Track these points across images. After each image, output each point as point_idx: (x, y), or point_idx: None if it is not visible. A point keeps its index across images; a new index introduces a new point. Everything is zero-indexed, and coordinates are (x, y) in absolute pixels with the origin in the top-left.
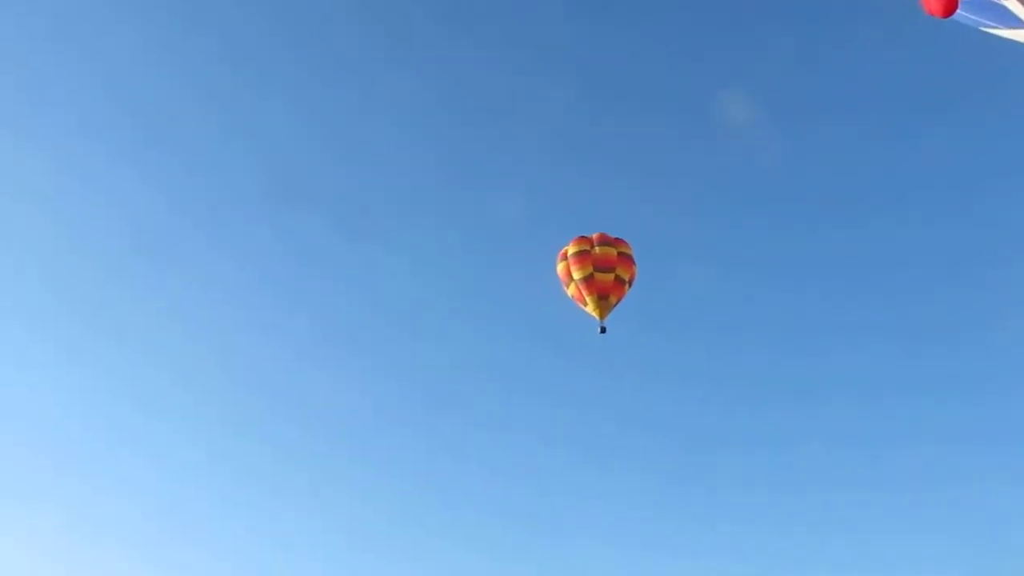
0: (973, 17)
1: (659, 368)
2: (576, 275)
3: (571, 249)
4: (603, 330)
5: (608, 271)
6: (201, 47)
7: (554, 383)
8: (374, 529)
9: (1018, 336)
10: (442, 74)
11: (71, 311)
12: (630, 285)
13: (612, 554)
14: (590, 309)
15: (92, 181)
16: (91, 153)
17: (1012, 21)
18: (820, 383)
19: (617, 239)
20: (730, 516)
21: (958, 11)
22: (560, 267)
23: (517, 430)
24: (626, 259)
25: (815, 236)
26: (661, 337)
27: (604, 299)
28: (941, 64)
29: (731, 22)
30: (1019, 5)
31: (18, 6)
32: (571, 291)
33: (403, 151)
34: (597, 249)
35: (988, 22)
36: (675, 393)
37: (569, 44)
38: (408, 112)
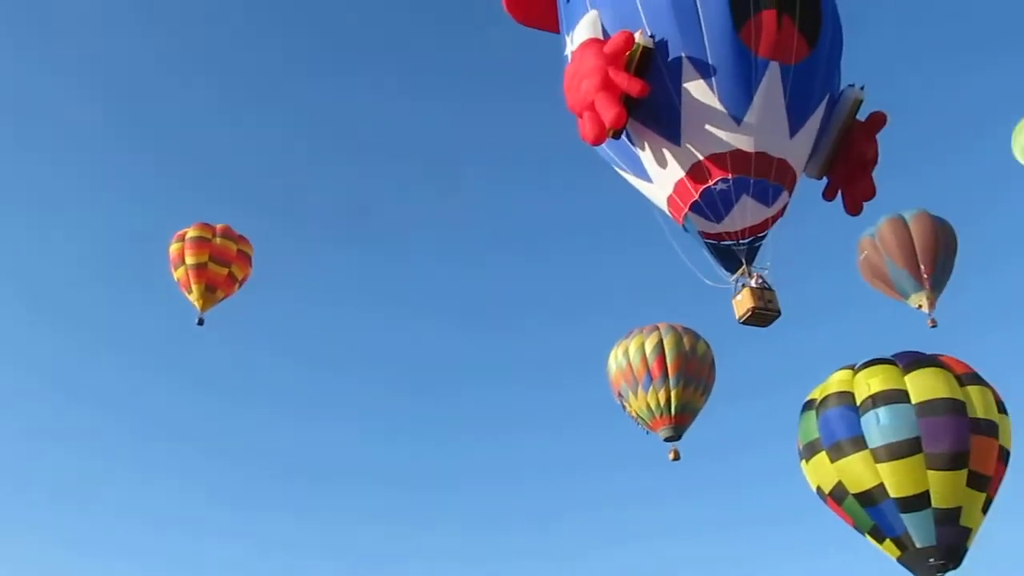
0: (613, 155)
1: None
2: (189, 260)
3: (190, 232)
4: (201, 322)
5: (224, 265)
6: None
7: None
8: None
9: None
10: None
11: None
12: (240, 285)
13: None
14: (193, 298)
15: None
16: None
17: (641, 172)
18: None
19: (241, 236)
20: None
21: (604, 145)
22: (173, 248)
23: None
24: (244, 258)
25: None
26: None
27: (212, 291)
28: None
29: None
30: (652, 162)
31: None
32: (178, 275)
33: None
34: (218, 240)
35: (623, 165)
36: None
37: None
38: None
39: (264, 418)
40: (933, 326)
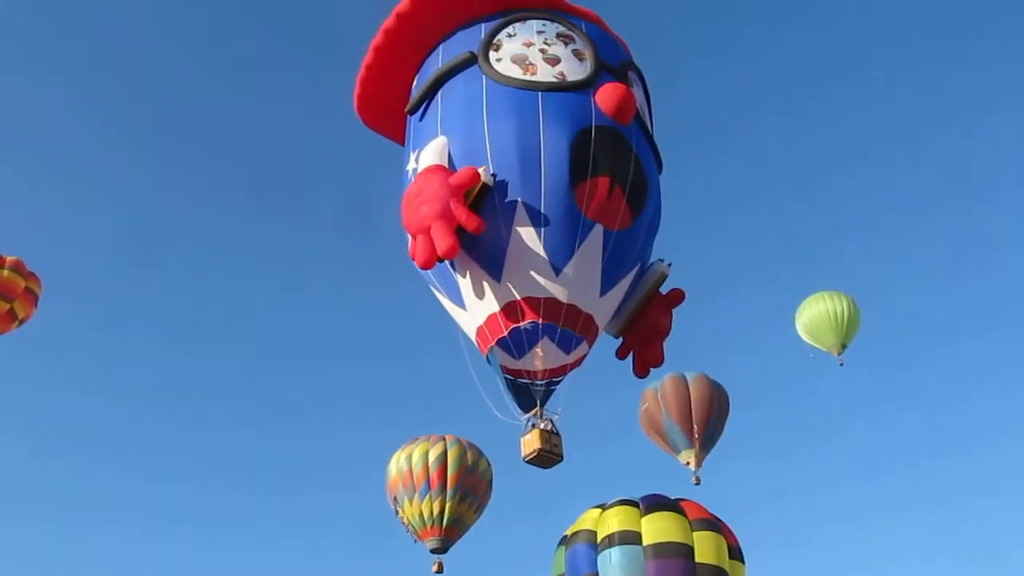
0: (431, 276)
1: None
2: None
3: None
4: None
5: (6, 300)
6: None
7: None
8: None
9: None
10: None
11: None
12: (19, 325)
13: None
14: None
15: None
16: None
17: (456, 298)
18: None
19: (31, 274)
20: None
21: (434, 270)
22: None
23: None
24: (31, 297)
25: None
26: None
27: None
28: None
29: None
30: (471, 292)
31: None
32: None
33: None
34: (5, 273)
35: (440, 287)
36: None
37: None
38: None
39: None
40: (697, 483)
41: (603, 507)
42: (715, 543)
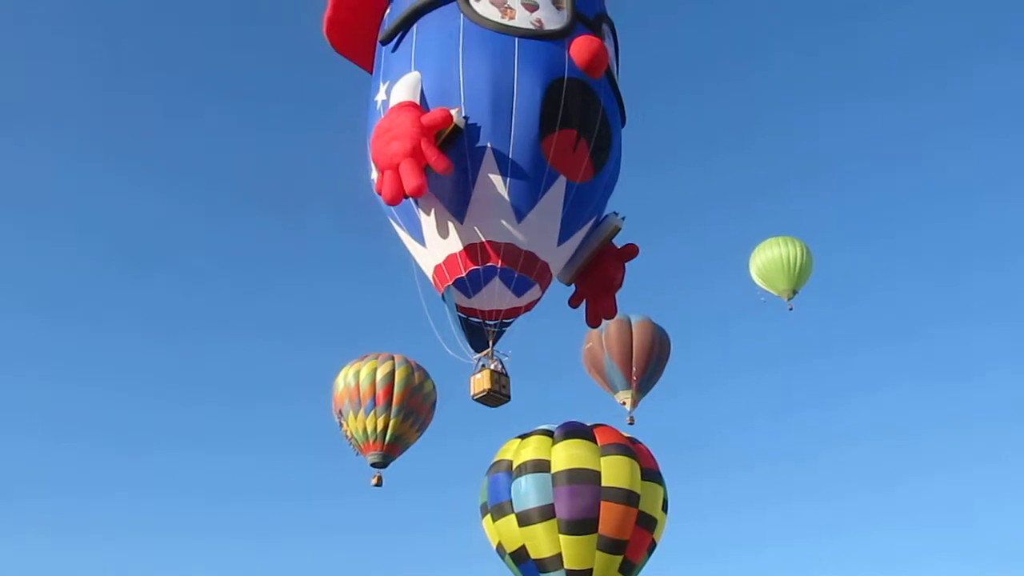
0: (393, 210)
1: None
2: None
3: None
4: None
5: None
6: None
7: None
8: None
9: None
10: None
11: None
12: None
13: None
14: None
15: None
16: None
17: (417, 235)
18: None
19: None
20: None
21: (397, 205)
22: None
23: None
24: None
25: None
26: None
27: None
28: None
29: None
30: (433, 230)
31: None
32: None
33: None
34: None
35: (400, 222)
36: None
37: None
38: None
39: None
40: (631, 423)
41: (524, 437)
42: (625, 466)
